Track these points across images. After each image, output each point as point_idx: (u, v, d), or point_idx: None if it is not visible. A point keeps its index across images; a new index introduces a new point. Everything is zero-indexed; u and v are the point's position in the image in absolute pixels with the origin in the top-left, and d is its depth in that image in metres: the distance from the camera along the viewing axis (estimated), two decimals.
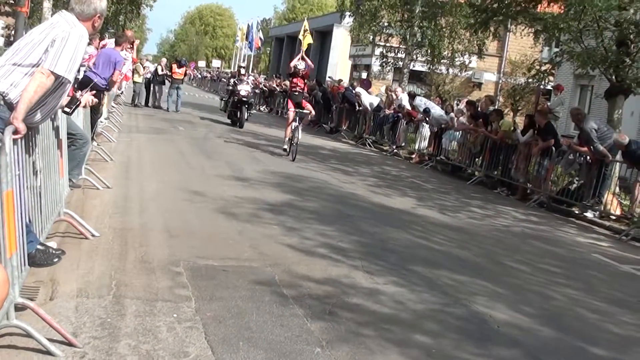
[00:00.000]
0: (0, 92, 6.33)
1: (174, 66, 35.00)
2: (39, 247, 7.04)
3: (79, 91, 9.87)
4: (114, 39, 17.98)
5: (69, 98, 8.42)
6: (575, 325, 8.26)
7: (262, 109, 49.77)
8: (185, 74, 36.73)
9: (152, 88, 35.14)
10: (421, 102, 28.22)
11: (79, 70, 7.04)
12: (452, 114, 25.94)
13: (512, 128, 22.26)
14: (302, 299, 7.48)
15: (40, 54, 6.38)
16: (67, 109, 8.49)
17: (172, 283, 7.43)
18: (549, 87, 31.90)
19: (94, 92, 14.10)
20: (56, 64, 6.32)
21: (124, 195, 11.86)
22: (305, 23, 53.14)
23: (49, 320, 5.58)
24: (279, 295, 7.51)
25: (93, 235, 8.69)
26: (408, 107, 28.20)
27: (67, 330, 5.69)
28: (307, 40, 53.65)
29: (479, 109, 24.74)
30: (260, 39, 79.59)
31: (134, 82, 32.23)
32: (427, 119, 26.31)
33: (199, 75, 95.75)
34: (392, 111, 30.04)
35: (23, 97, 6.17)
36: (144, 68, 33.67)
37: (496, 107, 26.46)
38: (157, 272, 7.72)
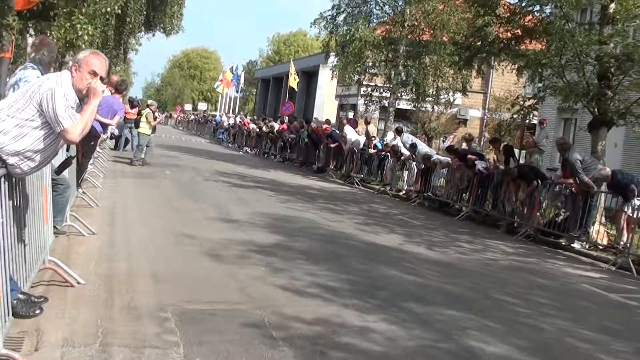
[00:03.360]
0: None
1: (127, 106, 34.04)
2: (20, 296, 6.99)
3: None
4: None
5: (64, 160, 8.49)
6: (567, 356, 8.25)
7: (248, 150, 49.94)
8: (138, 114, 35.93)
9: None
10: (408, 138, 28.43)
11: None
12: (437, 156, 26.09)
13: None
14: (292, 340, 7.42)
15: (33, 112, 6.50)
16: (57, 169, 8.56)
17: (160, 329, 7.35)
18: (533, 121, 32.08)
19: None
20: (63, 121, 6.48)
21: (109, 241, 11.78)
22: (292, 65, 53.56)
23: None
24: (268, 338, 7.44)
25: (79, 283, 8.59)
26: (398, 144, 28.31)
27: None
28: (292, 81, 54.20)
29: (455, 146, 25.14)
30: (234, 80, 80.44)
31: (141, 134, 28.35)
32: (414, 155, 26.41)
33: (185, 119, 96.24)
34: (375, 151, 30.25)
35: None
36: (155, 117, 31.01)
37: (481, 143, 26.59)
38: (145, 319, 7.65)
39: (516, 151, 33.02)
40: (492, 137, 26.58)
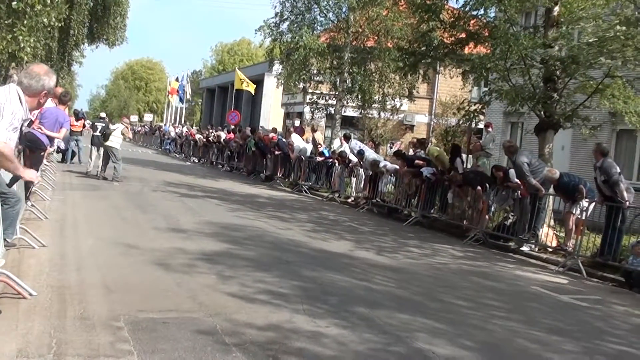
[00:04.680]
0: None
1: (72, 119, 33.46)
2: None
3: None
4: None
5: (12, 176, 8.47)
6: (517, 356, 8.36)
7: (195, 160, 49.85)
8: (83, 126, 35.63)
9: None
10: (356, 145, 28.52)
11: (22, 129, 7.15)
12: (385, 162, 26.24)
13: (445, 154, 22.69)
14: (245, 347, 7.45)
15: None
16: (9, 183, 8.53)
17: (114, 338, 7.34)
18: (480, 126, 32.35)
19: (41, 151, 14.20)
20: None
21: (60, 253, 11.71)
22: (239, 73, 53.47)
23: None
24: (221, 344, 7.47)
25: (31, 295, 8.54)
26: (346, 150, 28.43)
27: None
28: (251, 85, 54.16)
29: (403, 151, 25.44)
30: (181, 92, 79.67)
31: (113, 149, 26.93)
32: (362, 162, 26.52)
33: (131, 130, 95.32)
34: (322, 158, 30.35)
35: None
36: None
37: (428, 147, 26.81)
38: (98, 328, 7.63)
39: (463, 156, 33.32)
40: (418, 140, 26.74)
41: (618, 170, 16.78)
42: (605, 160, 16.85)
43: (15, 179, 8.87)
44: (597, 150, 17.22)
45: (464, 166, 23.90)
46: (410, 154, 26.72)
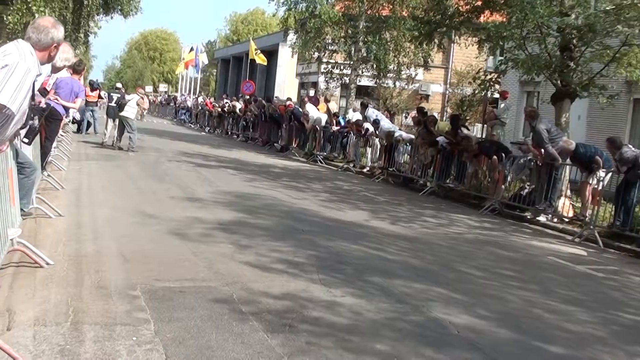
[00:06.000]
0: None
1: (87, 89, 33.42)
2: None
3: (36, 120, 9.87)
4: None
5: (27, 128, 8.41)
6: (533, 326, 8.34)
7: (210, 130, 49.90)
8: (99, 97, 35.72)
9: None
10: (373, 113, 28.42)
11: (33, 100, 7.02)
12: (400, 132, 26.20)
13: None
14: (261, 315, 7.46)
15: None
16: (25, 140, 8.50)
17: (130, 307, 7.36)
18: (496, 95, 32.23)
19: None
20: (2, 93, 6.22)
21: (76, 223, 11.73)
22: (252, 43, 53.32)
23: (7, 350, 5.52)
24: (237, 313, 7.48)
25: (48, 264, 8.57)
26: (359, 118, 28.42)
27: (26, 359, 5.64)
28: (261, 58, 54.01)
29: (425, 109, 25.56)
30: (197, 62, 79.37)
31: (129, 119, 26.96)
32: (377, 132, 26.46)
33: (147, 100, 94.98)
34: (338, 127, 30.32)
35: None
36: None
37: (443, 119, 26.74)
38: (114, 297, 7.65)
39: (479, 125, 33.19)
40: (429, 117, 26.50)
41: (636, 152, 16.74)
42: (622, 152, 16.74)
43: (31, 133, 8.86)
44: (610, 146, 17.07)
45: (481, 136, 23.85)
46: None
